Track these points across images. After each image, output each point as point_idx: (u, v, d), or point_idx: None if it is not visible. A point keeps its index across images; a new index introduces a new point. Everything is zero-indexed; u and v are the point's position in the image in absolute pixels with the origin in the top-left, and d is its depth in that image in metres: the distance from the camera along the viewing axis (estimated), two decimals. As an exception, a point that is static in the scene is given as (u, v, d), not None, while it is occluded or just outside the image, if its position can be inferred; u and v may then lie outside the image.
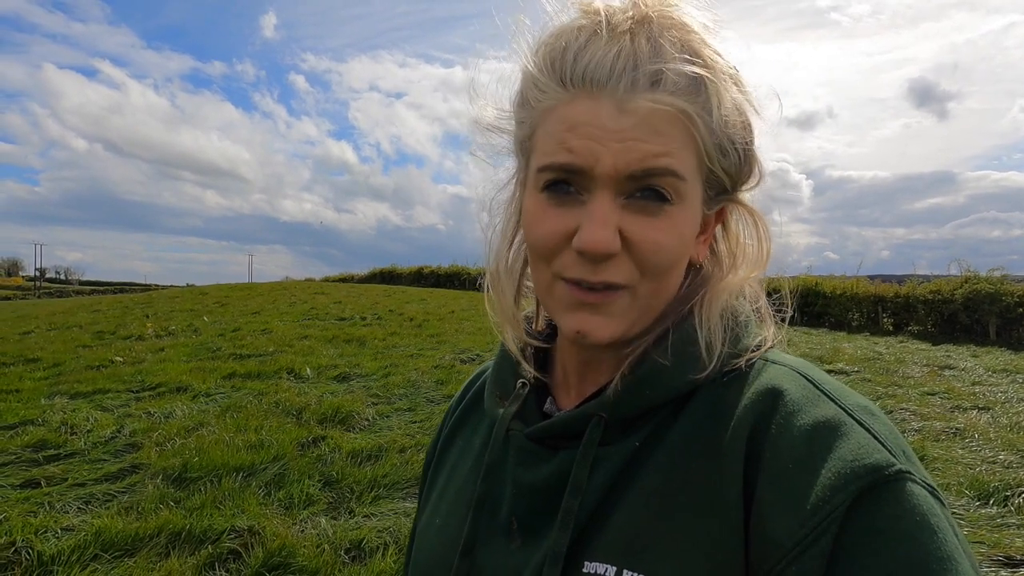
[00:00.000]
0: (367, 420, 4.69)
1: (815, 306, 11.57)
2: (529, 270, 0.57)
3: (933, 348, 8.81)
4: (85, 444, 4.03)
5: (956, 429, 4.50)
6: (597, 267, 0.46)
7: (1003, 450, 4.05)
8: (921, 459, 0.46)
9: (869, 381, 6.17)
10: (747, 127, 0.49)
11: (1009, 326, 9.85)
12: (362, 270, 25.32)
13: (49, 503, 3.15)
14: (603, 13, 0.46)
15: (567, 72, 0.46)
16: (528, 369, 0.57)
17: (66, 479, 3.50)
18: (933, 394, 5.64)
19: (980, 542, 2.77)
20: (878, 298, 11.31)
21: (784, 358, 0.51)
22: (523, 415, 0.56)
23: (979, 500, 3.26)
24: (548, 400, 0.58)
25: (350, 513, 3.17)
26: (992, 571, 2.55)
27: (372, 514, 3.14)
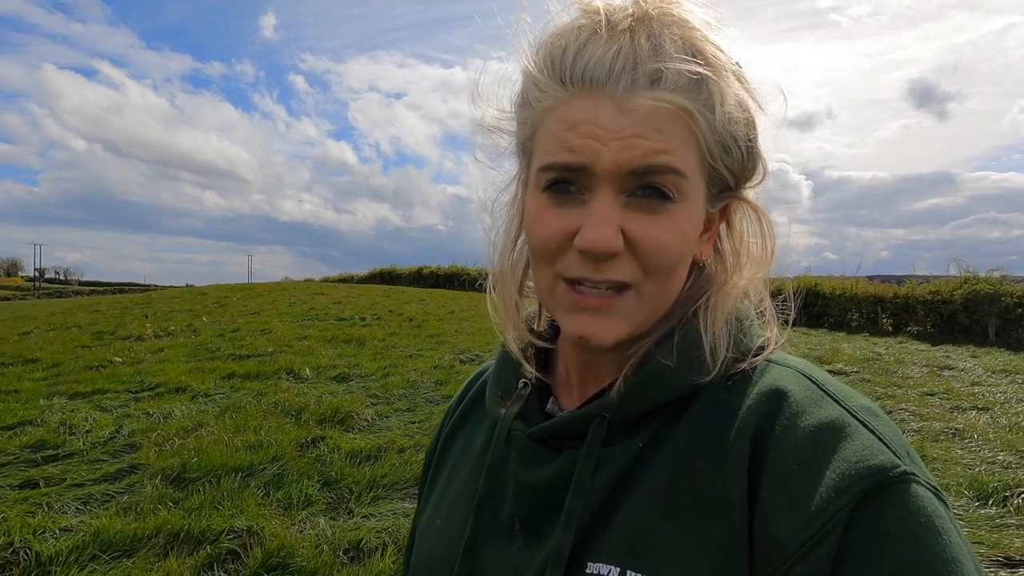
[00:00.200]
0: (366, 420, 4.69)
1: (814, 307, 11.57)
2: (531, 271, 0.56)
3: (932, 349, 8.82)
4: (84, 444, 4.02)
5: (955, 429, 4.51)
6: (599, 266, 0.46)
7: (1002, 450, 4.05)
8: (920, 459, 0.46)
9: (868, 382, 6.17)
10: (750, 124, 0.49)
11: (1008, 327, 9.86)
12: (362, 270, 25.34)
13: (47, 503, 3.15)
14: (603, 12, 0.46)
15: (567, 72, 0.45)
16: (530, 369, 0.57)
17: (64, 479, 3.49)
18: (932, 394, 5.65)
19: (979, 542, 2.77)
20: (877, 299, 11.32)
21: (788, 359, 0.51)
22: (525, 415, 0.56)
23: (978, 500, 3.26)
24: (550, 400, 0.58)
25: (349, 513, 3.16)
26: (991, 571, 2.55)
27: (371, 514, 3.14)
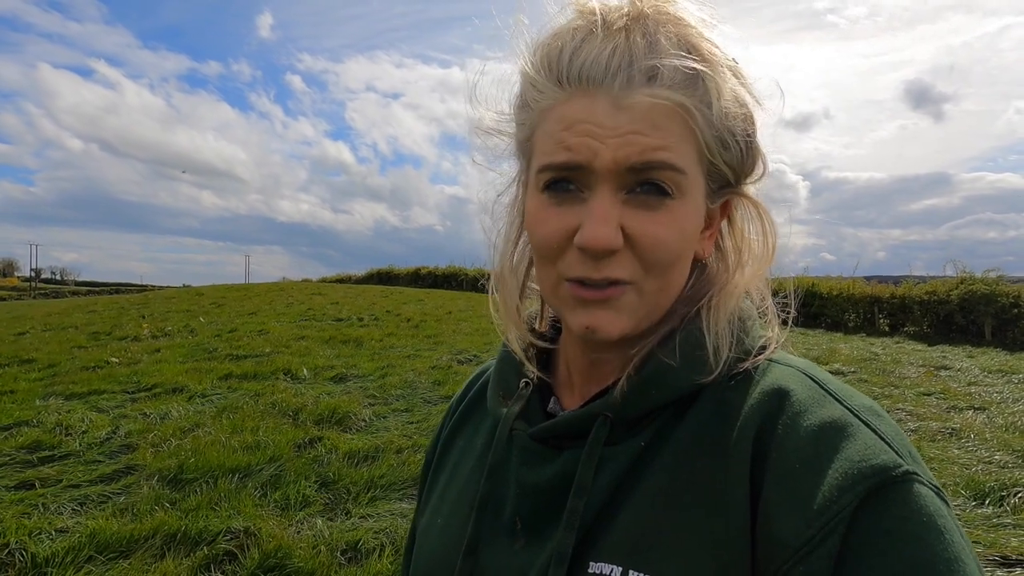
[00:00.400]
0: (364, 421, 4.68)
1: (812, 307, 11.60)
2: (533, 271, 0.56)
3: (929, 349, 8.85)
4: (80, 445, 4.00)
5: (952, 429, 4.52)
6: (599, 264, 0.46)
7: (999, 450, 4.07)
8: (922, 459, 0.46)
9: (866, 382, 6.19)
10: (748, 119, 0.49)
11: (1004, 327, 9.90)
12: (359, 271, 25.33)
13: (43, 505, 3.13)
14: (598, 12, 0.46)
15: (563, 72, 0.46)
16: (532, 368, 0.57)
17: (61, 480, 3.47)
18: (929, 394, 5.67)
19: (976, 542, 2.77)
20: (874, 299, 11.36)
21: (789, 359, 0.51)
22: (526, 415, 0.56)
23: (975, 500, 3.27)
24: (552, 400, 0.58)
25: (347, 514, 3.16)
26: (988, 571, 2.56)
27: (369, 515, 3.13)
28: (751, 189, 0.52)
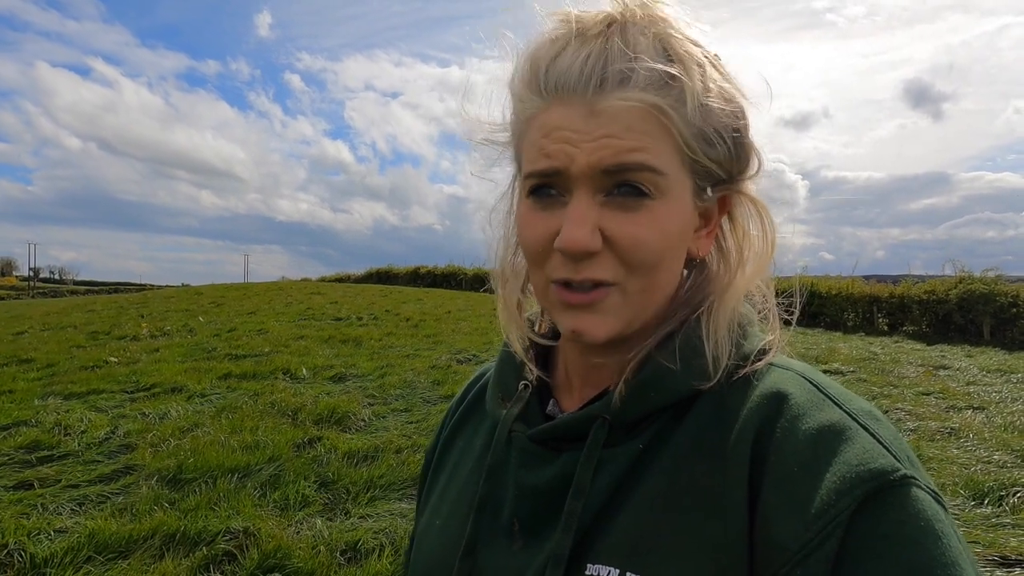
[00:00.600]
0: (363, 421, 4.68)
1: (811, 306, 11.61)
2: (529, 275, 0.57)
3: (928, 348, 8.86)
4: (79, 445, 4.00)
5: (951, 429, 4.53)
6: (579, 265, 0.46)
7: (998, 450, 4.07)
8: (920, 463, 0.46)
9: (865, 381, 6.20)
10: (736, 115, 0.49)
11: (1003, 326, 9.91)
12: (358, 270, 25.32)
13: (42, 505, 3.13)
14: (575, 20, 0.47)
15: (542, 82, 0.47)
16: (532, 368, 0.58)
17: (59, 480, 3.47)
18: (928, 394, 5.68)
19: (975, 542, 2.78)
20: (873, 298, 11.37)
21: (788, 362, 0.51)
22: (526, 417, 0.56)
23: (974, 500, 3.27)
24: (551, 402, 0.58)
25: (346, 514, 3.16)
26: (988, 571, 2.56)
27: (368, 515, 3.13)
28: (749, 186, 0.52)
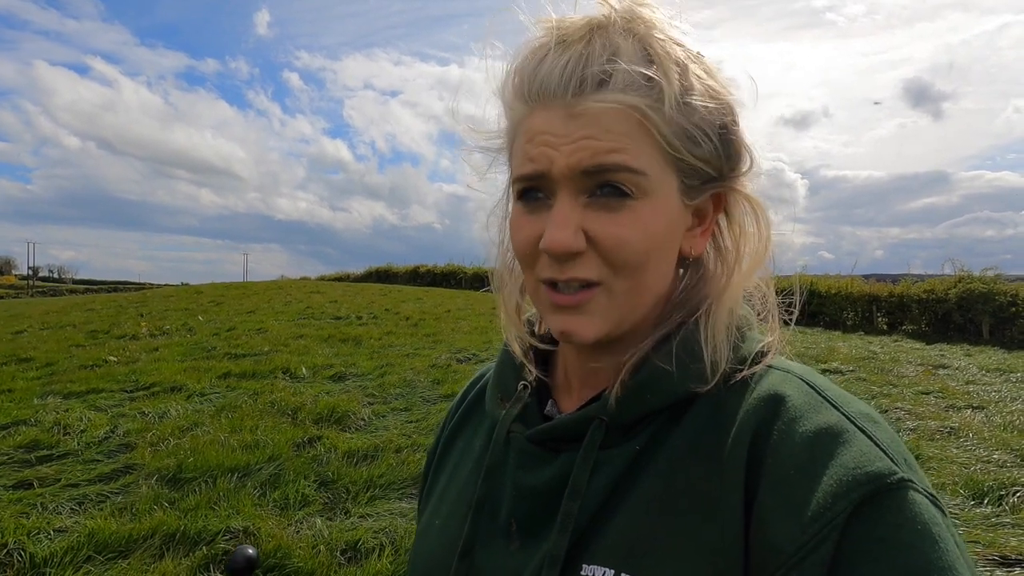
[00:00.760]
0: (363, 420, 4.68)
1: (810, 305, 11.61)
2: None
3: (927, 347, 8.87)
4: (78, 444, 4.00)
5: (951, 428, 4.53)
6: (564, 266, 0.47)
7: (997, 449, 4.07)
8: (916, 458, 0.46)
9: (864, 380, 6.20)
10: (721, 112, 0.49)
11: (1002, 325, 9.91)
12: (358, 269, 25.32)
13: (42, 504, 3.13)
14: (559, 26, 0.48)
15: (526, 89, 0.48)
16: (532, 369, 0.58)
17: (59, 480, 3.47)
18: (928, 393, 5.68)
19: (975, 541, 2.78)
20: (873, 297, 11.37)
21: (786, 364, 0.51)
22: (524, 417, 0.56)
23: (974, 500, 3.28)
24: (549, 403, 0.58)
25: (346, 514, 3.16)
26: (987, 571, 2.57)
27: (368, 515, 3.13)
28: (744, 183, 0.52)
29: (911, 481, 0.39)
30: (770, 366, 0.50)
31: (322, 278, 24.57)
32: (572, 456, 0.50)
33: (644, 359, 0.50)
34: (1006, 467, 3.74)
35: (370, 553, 2.75)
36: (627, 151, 0.45)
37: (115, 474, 3.58)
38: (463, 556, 0.53)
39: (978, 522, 3.01)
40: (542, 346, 0.59)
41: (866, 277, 12.47)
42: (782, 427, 0.43)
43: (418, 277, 21.70)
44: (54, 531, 2.84)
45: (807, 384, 0.47)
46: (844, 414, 0.44)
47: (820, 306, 11.62)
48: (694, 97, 0.46)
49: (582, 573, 0.45)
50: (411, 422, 4.68)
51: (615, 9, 0.47)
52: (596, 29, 0.47)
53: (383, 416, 4.83)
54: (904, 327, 10.92)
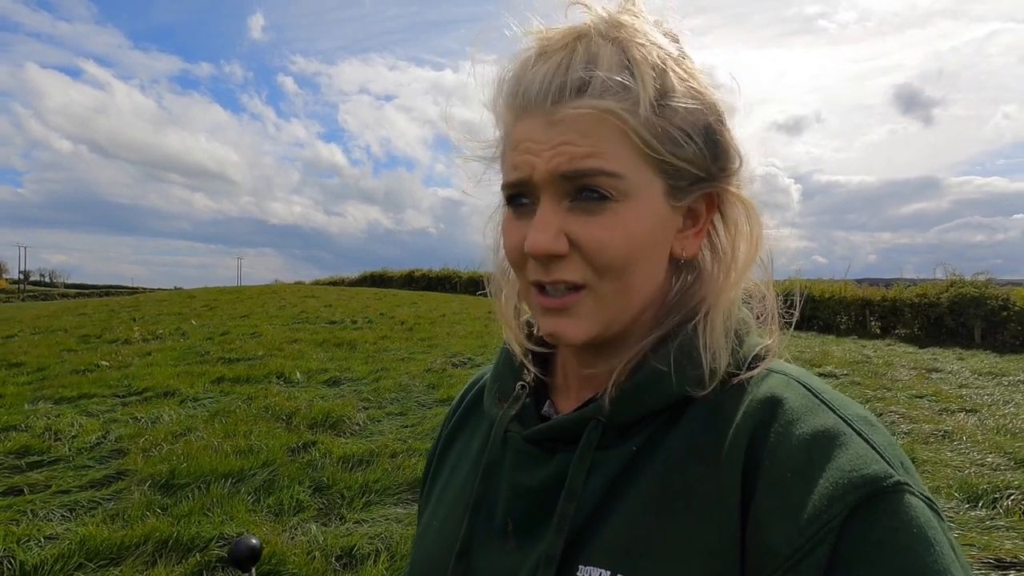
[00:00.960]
0: (358, 425, 4.66)
1: (804, 309, 11.66)
2: None
3: (920, 351, 8.92)
4: (70, 450, 3.96)
5: (944, 432, 4.55)
6: (548, 268, 0.48)
7: (991, 452, 4.10)
8: (911, 462, 0.47)
9: (858, 384, 6.22)
10: (705, 112, 0.49)
11: (993, 329, 9.99)
12: (353, 273, 25.25)
13: (32, 511, 3.09)
14: (542, 36, 0.49)
15: (512, 99, 0.50)
16: (531, 368, 0.59)
17: (50, 486, 3.44)
18: (921, 397, 5.71)
19: (970, 544, 2.79)
20: (866, 301, 11.44)
21: (784, 367, 0.51)
22: (522, 418, 0.56)
23: (968, 502, 3.29)
24: (547, 403, 0.58)
25: (341, 519, 3.14)
26: (982, 574, 2.58)
27: (363, 520, 3.11)
28: (737, 183, 0.52)
29: (907, 484, 0.40)
30: (768, 368, 0.50)
31: (316, 282, 24.49)
32: (569, 457, 0.50)
33: (642, 361, 0.50)
34: (1000, 470, 3.76)
35: (366, 559, 2.73)
36: (603, 155, 0.46)
37: (107, 480, 3.55)
38: (460, 556, 0.53)
39: (972, 525, 3.02)
40: (539, 349, 0.59)
41: (859, 281, 12.54)
42: (779, 430, 0.44)
43: (413, 281, 21.66)
44: (45, 538, 2.81)
45: (804, 387, 0.47)
46: (841, 417, 0.44)
47: (814, 310, 11.67)
48: (674, 99, 0.47)
49: (578, 574, 0.45)
50: (407, 427, 4.66)
51: (599, 17, 0.49)
52: (578, 38, 0.48)
53: (378, 421, 4.81)
54: (897, 331, 10.98)
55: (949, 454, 4.10)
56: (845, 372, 6.80)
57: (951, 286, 10.58)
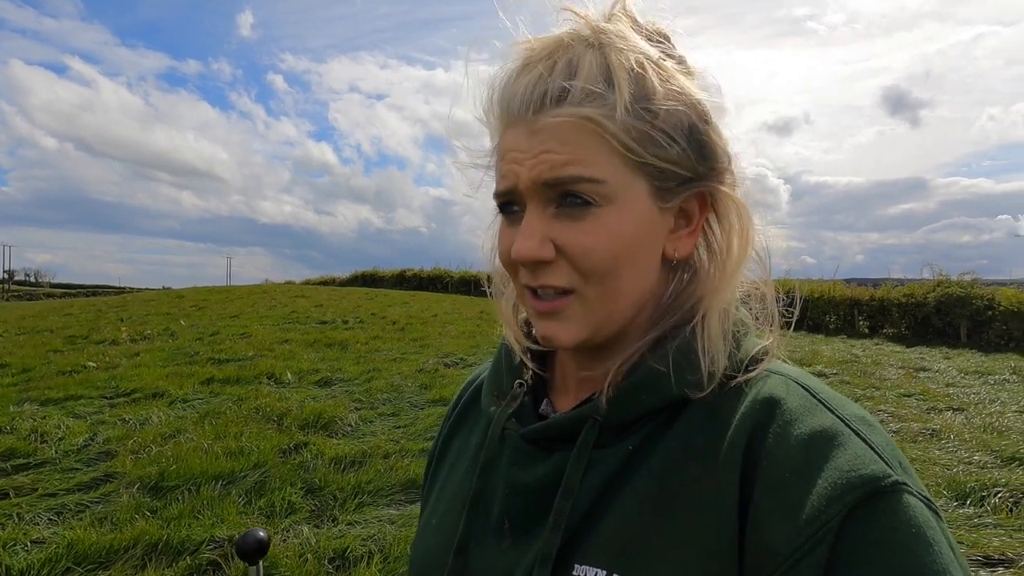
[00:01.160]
0: (350, 426, 4.64)
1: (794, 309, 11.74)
2: None
3: (907, 350, 9.02)
4: (56, 453, 3.91)
5: (932, 430, 4.61)
6: (536, 273, 0.50)
7: (978, 451, 4.15)
8: (913, 469, 0.47)
9: (848, 383, 6.29)
10: (688, 113, 0.49)
11: (979, 328, 10.12)
12: (343, 273, 25.14)
13: (18, 515, 3.05)
14: (528, 47, 0.50)
15: (499, 110, 0.51)
16: (530, 365, 0.59)
17: (36, 489, 3.39)
18: (909, 396, 5.77)
19: (959, 542, 2.82)
20: (854, 301, 11.55)
21: (782, 367, 0.51)
22: (519, 415, 0.57)
23: (957, 501, 3.33)
24: (544, 402, 0.58)
25: (333, 521, 3.12)
26: (971, 571, 2.61)
27: (356, 522, 3.10)
28: (731, 182, 0.52)
29: (906, 484, 0.40)
30: (766, 370, 0.50)
31: (307, 282, 24.35)
32: (566, 455, 0.50)
33: (639, 362, 0.50)
34: (987, 468, 3.82)
35: (359, 561, 2.72)
36: (583, 162, 0.46)
37: (95, 483, 3.51)
38: (458, 553, 0.53)
39: (961, 523, 3.06)
40: (538, 347, 0.59)
41: (847, 281, 12.66)
42: (777, 430, 0.44)
43: (404, 281, 21.60)
44: (31, 542, 2.77)
45: (802, 387, 0.47)
46: (839, 417, 0.44)
47: (803, 310, 11.75)
48: (655, 101, 0.47)
49: (574, 573, 0.45)
50: (399, 427, 4.65)
51: (583, 24, 0.50)
52: (561, 47, 0.49)
53: (370, 422, 4.79)
54: (885, 330, 11.10)
55: (937, 452, 4.15)
56: (835, 371, 6.86)
57: (938, 286, 10.71)
